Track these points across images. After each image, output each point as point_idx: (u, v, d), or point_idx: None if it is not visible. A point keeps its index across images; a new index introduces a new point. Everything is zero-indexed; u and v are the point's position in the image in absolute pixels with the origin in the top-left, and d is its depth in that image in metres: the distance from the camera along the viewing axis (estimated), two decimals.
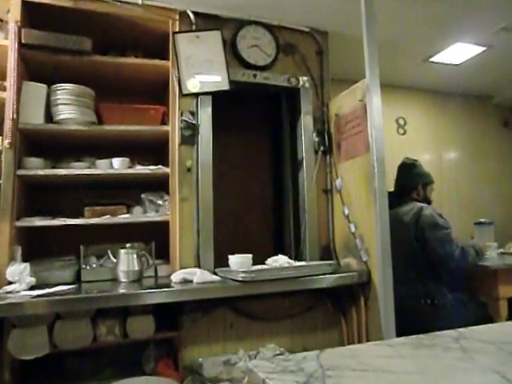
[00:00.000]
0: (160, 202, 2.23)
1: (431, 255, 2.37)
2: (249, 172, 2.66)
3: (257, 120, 2.71)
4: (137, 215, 2.18)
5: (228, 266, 2.00)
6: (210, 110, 2.19)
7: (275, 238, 2.64)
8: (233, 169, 2.61)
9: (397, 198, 2.59)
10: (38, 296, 1.61)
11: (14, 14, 1.97)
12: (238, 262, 1.96)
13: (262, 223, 2.64)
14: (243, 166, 2.65)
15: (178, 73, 2.14)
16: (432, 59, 3.12)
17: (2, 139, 1.91)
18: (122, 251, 2.03)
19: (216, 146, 2.20)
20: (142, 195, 2.26)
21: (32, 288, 1.77)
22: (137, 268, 2.03)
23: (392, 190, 2.66)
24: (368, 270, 2.07)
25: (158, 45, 2.33)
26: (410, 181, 2.64)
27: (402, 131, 3.70)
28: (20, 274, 1.78)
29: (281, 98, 2.67)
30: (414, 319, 2.24)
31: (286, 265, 1.99)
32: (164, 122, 2.24)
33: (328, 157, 2.44)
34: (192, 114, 2.17)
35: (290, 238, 2.55)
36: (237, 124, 2.61)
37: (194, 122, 2.16)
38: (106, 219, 2.07)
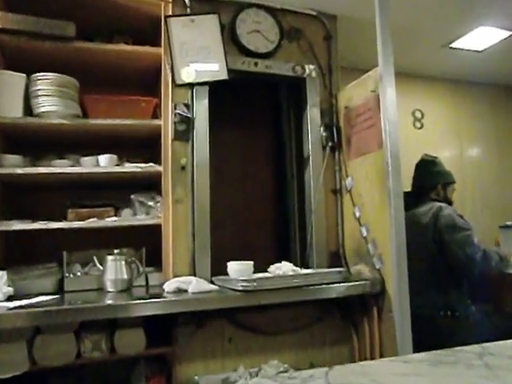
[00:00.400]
0: (151, 204, 2.24)
1: (451, 260, 2.37)
2: (249, 170, 2.67)
3: (258, 113, 2.71)
4: (126, 218, 2.19)
5: (226, 274, 2.00)
6: (206, 102, 2.19)
7: (279, 243, 2.65)
8: (232, 167, 2.62)
9: (414, 199, 2.59)
10: (16, 308, 1.61)
11: None
12: (238, 270, 1.97)
13: (264, 227, 2.65)
14: (243, 163, 2.65)
15: (171, 61, 2.14)
16: (452, 45, 3.11)
17: None
18: (110, 258, 2.03)
19: (213, 141, 2.20)
20: (132, 196, 2.27)
21: (9, 299, 1.77)
22: (125, 276, 2.03)
23: (408, 189, 2.66)
24: (381, 278, 2.07)
25: (148, 30, 2.33)
26: (429, 180, 2.64)
27: (418, 125, 3.70)
28: None
29: (285, 88, 2.67)
30: (432, 333, 2.24)
31: (291, 273, 2.00)
32: (156, 115, 2.25)
33: (337, 153, 2.44)
34: (186, 106, 2.17)
35: (295, 242, 2.55)
36: (236, 118, 2.61)
37: (188, 115, 2.16)
38: (91, 222, 2.07)
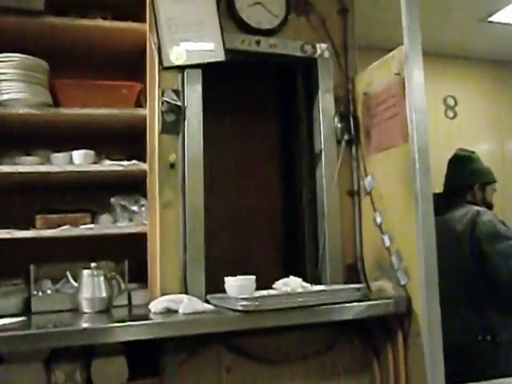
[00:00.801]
0: (135, 209, 2.24)
1: (491, 274, 2.37)
2: (251, 169, 2.66)
3: (261, 101, 2.71)
4: (104, 225, 2.19)
5: (224, 291, 2.00)
6: (199, 87, 2.19)
7: (285, 255, 2.64)
8: (230, 165, 2.61)
9: (446, 202, 2.58)
10: None
11: None
12: (237, 287, 1.97)
13: (268, 235, 2.64)
14: (244, 161, 2.65)
15: (158, 39, 2.13)
16: (491, 19, 3.10)
17: None
18: (86, 273, 2.03)
19: (208, 135, 2.20)
20: (112, 199, 2.27)
21: None
22: (104, 294, 2.02)
23: (439, 191, 2.65)
24: (407, 296, 2.06)
25: (131, 3, 2.31)
26: (465, 179, 2.63)
27: (451, 114, 3.69)
28: None
29: (292, 71, 2.66)
30: (468, 361, 2.25)
31: (300, 290, 1.99)
32: (140, 103, 2.25)
33: (354, 148, 2.44)
34: (176, 93, 2.16)
35: (305, 254, 2.55)
36: (235, 107, 2.61)
37: (178, 103, 2.15)
38: (63, 231, 2.07)
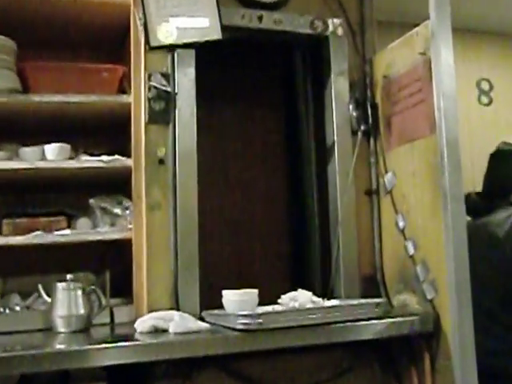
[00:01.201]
0: (118, 211, 2.25)
1: None
2: (252, 164, 2.67)
3: (264, 87, 2.71)
4: (82, 231, 2.19)
5: (221, 307, 2.01)
6: (192, 71, 2.20)
7: (293, 264, 2.65)
8: (228, 160, 2.62)
9: (487, 203, 2.57)
10: None
11: None
12: (238, 302, 1.97)
13: (272, 242, 2.65)
14: (244, 155, 2.66)
15: (144, 15, 2.11)
16: None
17: None
18: (61, 286, 2.02)
19: (203, 125, 2.21)
20: (91, 201, 2.28)
21: None
22: (82, 311, 2.02)
23: (472, 189, 2.65)
24: (435, 313, 2.06)
25: None
26: (508, 177, 2.61)
27: (486, 100, 3.67)
28: None
29: (300, 51, 2.67)
30: None
31: (310, 305, 1.99)
32: (123, 89, 2.26)
33: (372, 140, 2.45)
34: (165, 77, 2.18)
35: (315, 263, 2.56)
36: (234, 93, 2.61)
37: (168, 89, 2.16)
38: (35, 237, 2.07)
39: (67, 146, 2.17)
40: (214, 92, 2.40)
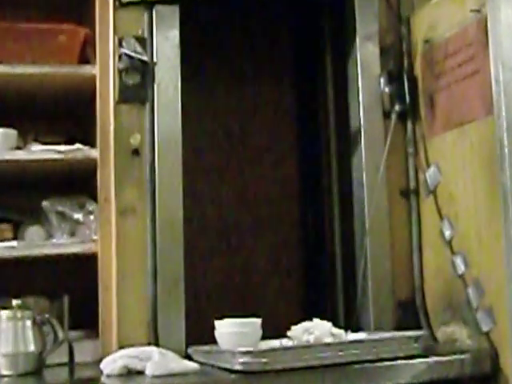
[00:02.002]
0: (79, 217, 2.26)
1: None
2: (254, 157, 2.68)
3: (270, 55, 2.72)
4: (33, 242, 2.20)
5: (214, 341, 2.00)
6: (176, 34, 2.21)
7: (306, 285, 2.66)
8: (224, 150, 2.63)
9: None
10: None
11: None
12: (235, 335, 1.97)
13: (280, 255, 2.66)
14: (243, 144, 2.67)
15: None
16: None
17: None
18: (4, 315, 2.01)
19: (190, 104, 2.24)
20: (44, 203, 2.27)
21: None
22: (33, 348, 2.01)
23: None
24: (492, 349, 2.04)
25: None
26: None
27: None
28: None
29: (316, 9, 2.66)
30: None
31: (329, 339, 1.99)
32: (86, 58, 2.27)
33: (410, 124, 2.44)
34: (141, 42, 2.18)
35: (336, 284, 2.57)
36: (231, 63, 2.63)
37: (144, 57, 2.17)
38: None
39: (13, 133, 2.18)
40: (205, 62, 2.42)
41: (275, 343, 1.99)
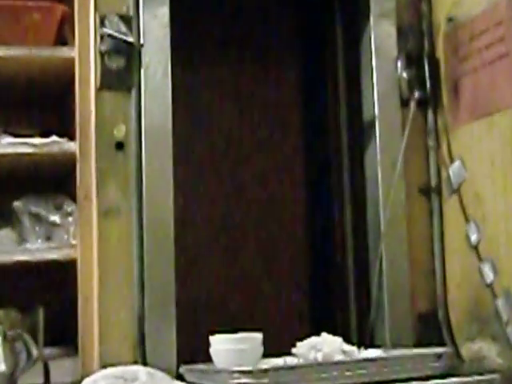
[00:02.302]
0: (55, 219, 2.29)
1: None
2: (253, 150, 2.68)
3: (273, 35, 2.73)
4: (4, 248, 2.23)
5: (209, 359, 1.98)
6: (166, 12, 2.20)
7: (313, 295, 2.67)
8: (220, 142, 2.63)
9: None
10: None
11: None
12: (232, 352, 1.96)
13: (283, 261, 2.66)
14: (242, 136, 2.67)
15: None
16: None
17: None
18: None
19: (181, 91, 2.26)
20: (16, 203, 2.31)
21: None
22: (3, 368, 2.03)
23: None
24: None
25: None
26: None
27: None
28: None
29: None
30: None
31: (340, 357, 1.98)
32: (63, 38, 2.34)
33: (431, 114, 2.44)
34: (126, 20, 2.17)
35: (347, 294, 2.58)
36: (228, 44, 2.64)
37: (130, 38, 2.16)
38: None
39: None
40: (198, 43, 2.43)
41: (278, 361, 1.98)
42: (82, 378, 1.93)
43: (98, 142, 2.12)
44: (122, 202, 2.13)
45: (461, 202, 2.30)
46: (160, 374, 1.91)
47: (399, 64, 2.41)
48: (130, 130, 2.15)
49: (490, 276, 2.15)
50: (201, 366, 1.99)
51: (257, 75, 2.70)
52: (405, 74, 2.40)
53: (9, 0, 2.24)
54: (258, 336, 1.96)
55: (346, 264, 2.58)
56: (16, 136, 2.20)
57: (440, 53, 2.42)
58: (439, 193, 2.41)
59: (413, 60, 2.42)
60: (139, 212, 2.12)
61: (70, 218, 2.23)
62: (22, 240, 2.24)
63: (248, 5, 2.62)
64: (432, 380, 1.93)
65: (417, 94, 2.40)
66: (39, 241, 2.21)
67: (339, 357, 1.95)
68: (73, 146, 2.17)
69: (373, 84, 2.41)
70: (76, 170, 2.14)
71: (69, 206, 2.25)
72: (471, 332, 2.24)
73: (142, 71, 2.15)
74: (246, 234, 2.63)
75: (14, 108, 2.38)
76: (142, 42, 2.16)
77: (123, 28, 2.15)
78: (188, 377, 1.98)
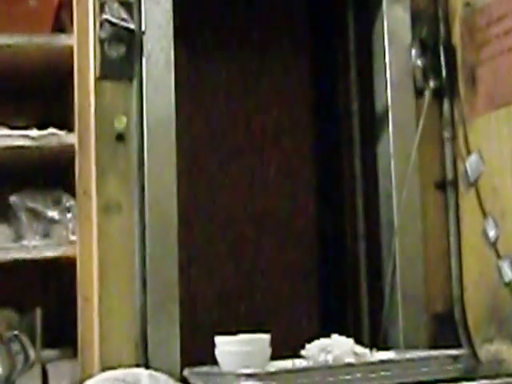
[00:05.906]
0: (54, 215, 2.30)
1: None
2: (261, 144, 2.68)
3: (283, 24, 2.73)
4: (0, 245, 2.22)
5: (214, 362, 1.98)
6: None
7: (323, 294, 2.67)
8: (224, 136, 2.63)
9: None
10: None
11: None
12: (239, 354, 1.95)
13: (291, 257, 2.65)
14: (249, 128, 2.67)
15: None
16: None
17: None
18: None
19: (184, 81, 2.31)
20: (13, 198, 2.32)
21: None
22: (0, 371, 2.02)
23: None
24: None
25: None
26: None
27: None
28: None
29: None
30: None
31: (351, 359, 1.98)
32: (61, 25, 2.34)
33: (447, 104, 2.44)
34: (127, 6, 2.17)
35: (359, 295, 2.59)
36: (234, 31, 2.64)
37: (131, 25, 2.16)
38: None
39: None
40: (203, 29, 2.43)
41: (287, 364, 1.99)
42: (82, 382, 1.94)
43: (98, 133, 2.12)
44: (123, 197, 2.13)
45: (478, 196, 2.31)
46: (163, 377, 1.91)
47: (413, 51, 2.41)
48: (132, 121, 2.15)
49: (508, 274, 2.16)
50: (205, 369, 1.98)
51: (265, 63, 2.69)
52: (419, 62, 2.40)
53: None
54: (266, 337, 1.96)
55: (357, 262, 2.58)
56: (12, 128, 2.21)
57: (456, 39, 2.43)
58: (455, 187, 2.41)
59: (428, 47, 2.42)
60: (141, 207, 2.12)
61: (69, 214, 2.24)
62: (18, 237, 2.24)
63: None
64: (449, 383, 1.93)
65: (432, 83, 2.40)
66: (37, 237, 2.22)
67: (350, 359, 1.95)
68: (71, 139, 2.17)
69: (386, 73, 2.41)
70: (75, 164, 2.15)
71: (67, 201, 2.26)
72: (489, 333, 2.25)
73: (144, 59, 2.15)
74: (252, 230, 2.63)
75: (10, 99, 2.39)
76: (143, 28, 2.16)
77: (124, 14, 2.14)
78: (192, 380, 1.98)
